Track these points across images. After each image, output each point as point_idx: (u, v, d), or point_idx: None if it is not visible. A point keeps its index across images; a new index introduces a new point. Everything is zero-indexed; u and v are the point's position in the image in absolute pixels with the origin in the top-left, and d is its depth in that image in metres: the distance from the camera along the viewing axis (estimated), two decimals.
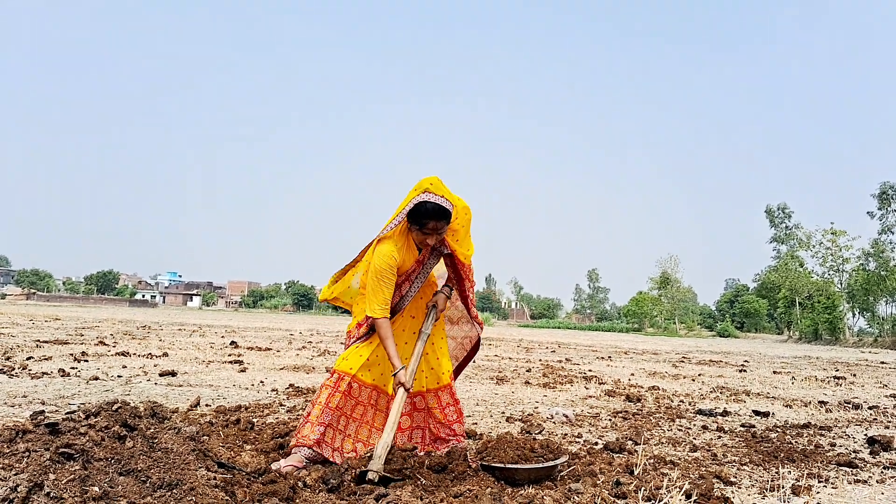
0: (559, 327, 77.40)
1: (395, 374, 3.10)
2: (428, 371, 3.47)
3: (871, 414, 6.05)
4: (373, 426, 3.32)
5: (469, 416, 4.89)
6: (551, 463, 2.93)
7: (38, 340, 10.10)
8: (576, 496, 2.66)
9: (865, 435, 4.72)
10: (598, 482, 2.88)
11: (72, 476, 1.99)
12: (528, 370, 9.34)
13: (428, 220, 3.14)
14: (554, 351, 15.91)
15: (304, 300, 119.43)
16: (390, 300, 3.29)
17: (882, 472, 3.49)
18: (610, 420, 5.04)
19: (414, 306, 3.52)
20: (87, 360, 7.39)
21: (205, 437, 3.16)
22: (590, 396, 6.47)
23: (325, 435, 3.13)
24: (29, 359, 7.17)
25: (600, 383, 7.79)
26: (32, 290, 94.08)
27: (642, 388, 7.52)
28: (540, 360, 11.73)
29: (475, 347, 3.98)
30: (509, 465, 2.87)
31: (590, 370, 9.91)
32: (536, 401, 5.98)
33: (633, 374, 9.54)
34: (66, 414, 3.92)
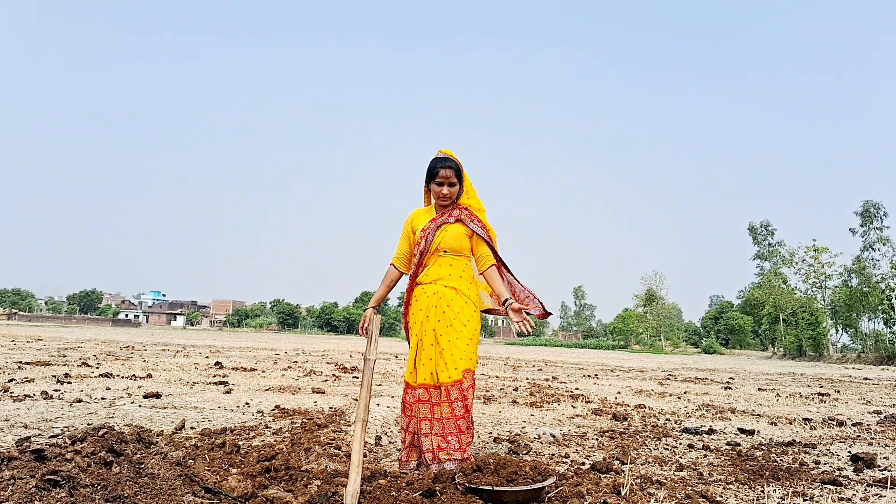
0: (546, 345, 77.43)
1: (364, 309, 3.57)
2: (441, 365, 3.48)
3: (854, 431, 6.10)
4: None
5: None
6: (539, 485, 2.93)
7: (20, 362, 9.97)
8: None
9: (849, 452, 4.76)
10: (585, 503, 2.89)
11: (58, 503, 1.97)
12: (516, 389, 9.34)
13: (436, 169, 3.59)
14: (541, 369, 15.92)
15: (289, 319, 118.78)
16: (405, 254, 3.78)
17: (865, 490, 3.53)
18: (597, 439, 5.05)
19: (429, 270, 3.67)
20: (70, 382, 7.31)
21: (191, 462, 3.13)
22: (577, 415, 6.48)
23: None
24: (11, 381, 7.08)
25: (587, 402, 7.80)
26: (14, 310, 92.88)
27: (629, 406, 7.54)
28: (527, 379, 11.73)
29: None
30: (497, 488, 2.87)
31: (577, 388, 9.92)
32: (524, 420, 5.99)
33: (619, 393, 9.56)
34: (49, 437, 3.88)
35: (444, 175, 3.57)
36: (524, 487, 2.90)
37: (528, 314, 3.47)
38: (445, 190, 3.59)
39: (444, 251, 3.64)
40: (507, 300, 3.47)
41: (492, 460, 3.09)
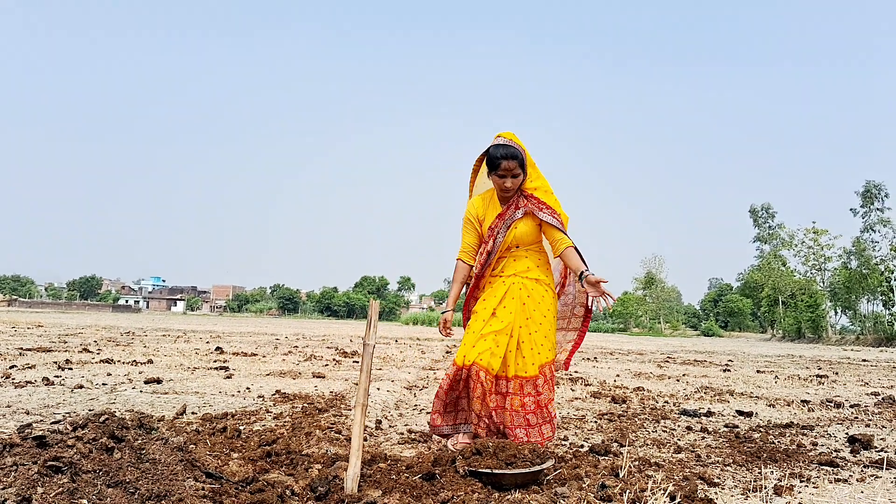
0: None
1: (443, 312, 3.49)
2: (520, 358, 3.46)
3: (852, 412, 6.13)
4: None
5: None
6: (538, 467, 2.96)
7: (21, 348, 10.00)
8: (562, 500, 2.69)
9: (847, 434, 4.79)
10: (583, 485, 2.91)
11: (60, 489, 1.99)
12: None
13: (498, 160, 3.36)
14: None
15: (289, 304, 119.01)
16: (472, 246, 3.65)
17: (862, 471, 3.55)
18: (595, 422, 5.08)
19: (503, 266, 3.58)
20: (71, 368, 7.34)
21: (192, 447, 3.15)
22: (576, 398, 6.51)
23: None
24: (12, 367, 7.11)
25: (586, 385, 7.84)
26: (14, 297, 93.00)
27: (627, 389, 7.58)
28: None
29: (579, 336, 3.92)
30: (496, 471, 2.90)
31: (576, 371, 9.97)
32: None
33: (618, 375, 9.61)
34: (51, 424, 3.90)
35: (506, 167, 3.35)
36: (523, 470, 2.92)
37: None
38: (509, 183, 3.39)
39: (517, 246, 3.53)
40: (583, 273, 3.30)
41: (491, 443, 3.11)
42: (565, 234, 3.46)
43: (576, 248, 3.49)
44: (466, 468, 2.97)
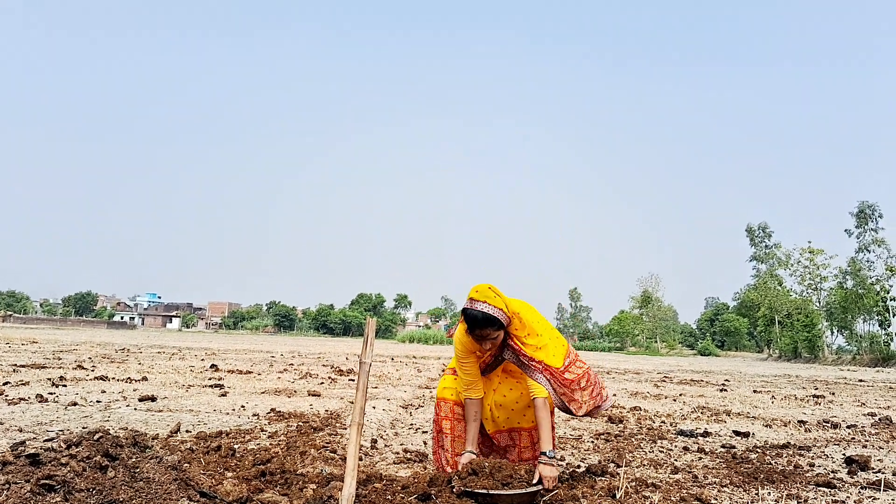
0: None
1: (461, 455, 3.38)
2: (510, 412, 3.51)
3: (849, 433, 6.12)
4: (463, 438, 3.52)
5: None
6: (534, 488, 2.94)
7: (15, 365, 9.94)
8: None
9: (844, 455, 4.78)
10: None
11: None
12: None
13: (473, 327, 3.19)
14: None
15: (285, 321, 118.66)
16: (473, 380, 3.47)
17: (859, 493, 3.54)
18: (592, 442, 5.06)
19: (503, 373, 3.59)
20: (65, 385, 7.30)
21: (186, 466, 3.13)
22: (572, 418, 6.48)
23: (438, 457, 3.57)
24: (5, 384, 7.06)
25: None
26: (9, 313, 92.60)
27: (624, 408, 7.56)
28: None
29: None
30: (492, 491, 2.88)
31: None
32: None
33: (615, 395, 9.58)
34: (44, 441, 3.87)
35: (482, 334, 3.21)
36: (519, 491, 2.90)
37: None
38: (487, 345, 3.26)
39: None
40: (543, 453, 3.19)
41: (487, 464, 3.09)
42: (539, 384, 3.30)
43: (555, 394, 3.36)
44: (462, 488, 2.95)
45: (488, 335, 3.20)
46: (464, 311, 3.24)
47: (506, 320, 3.19)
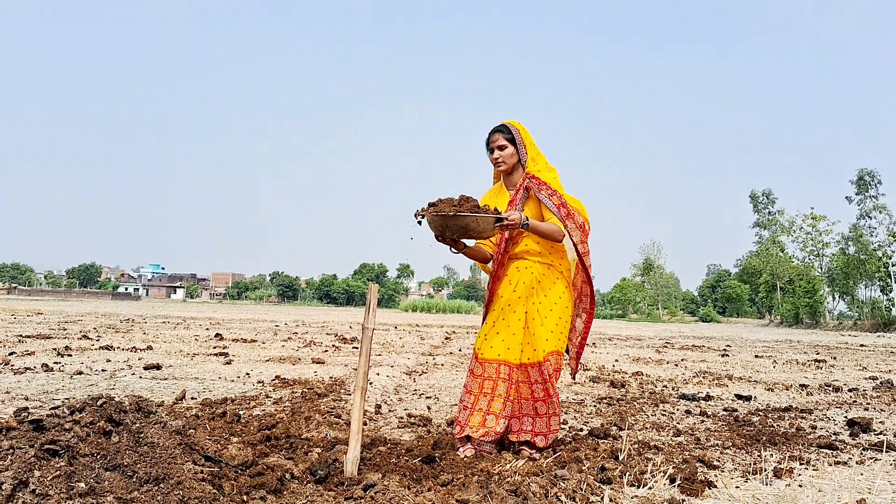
0: None
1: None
2: (524, 345, 3.37)
3: (850, 396, 6.14)
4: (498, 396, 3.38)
5: (455, 404, 4.90)
6: (498, 215, 2.97)
7: (21, 335, 10.00)
8: (561, 482, 2.68)
9: (845, 417, 4.80)
10: (583, 468, 2.91)
11: (57, 472, 1.98)
12: None
13: (488, 136, 3.49)
14: None
15: (288, 291, 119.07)
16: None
17: (861, 454, 3.56)
18: (594, 406, 5.08)
19: (519, 249, 3.49)
20: (70, 355, 7.34)
21: (191, 431, 3.14)
22: (575, 383, 6.51)
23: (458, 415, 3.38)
24: (11, 354, 7.11)
25: (585, 370, 7.84)
26: (13, 285, 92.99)
27: (626, 373, 7.59)
28: None
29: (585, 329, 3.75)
30: (460, 213, 2.91)
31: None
32: None
33: (616, 361, 9.62)
34: (50, 409, 3.89)
35: (492, 139, 3.47)
36: (485, 214, 2.95)
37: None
38: (495, 154, 3.46)
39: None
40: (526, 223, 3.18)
41: (454, 198, 3.06)
42: (559, 219, 3.32)
43: (583, 259, 3.48)
44: (432, 213, 2.96)
45: (497, 140, 3.45)
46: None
47: (518, 138, 3.45)
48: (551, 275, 3.44)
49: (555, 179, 3.47)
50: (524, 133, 3.49)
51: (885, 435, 4.10)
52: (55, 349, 7.85)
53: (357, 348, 10.00)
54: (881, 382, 7.23)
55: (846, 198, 49.38)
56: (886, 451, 3.60)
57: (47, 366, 6.11)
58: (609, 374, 7.36)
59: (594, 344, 13.97)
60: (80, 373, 5.83)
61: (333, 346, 10.47)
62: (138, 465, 2.18)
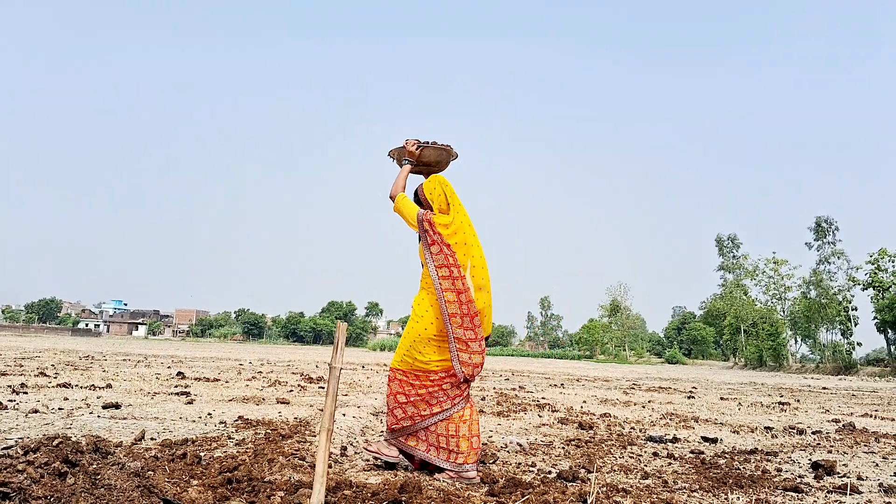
0: (513, 355, 77.71)
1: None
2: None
3: (814, 439, 6.21)
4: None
5: None
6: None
7: None
8: None
9: (810, 460, 4.84)
10: None
11: None
12: (483, 398, 9.33)
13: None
14: (508, 378, 15.94)
15: (254, 329, 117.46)
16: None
17: (826, 496, 3.58)
18: (563, 448, 5.05)
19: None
20: (26, 392, 7.10)
21: (150, 473, 3.05)
22: (543, 424, 6.48)
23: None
24: None
25: (553, 411, 7.82)
26: None
27: (594, 415, 7.58)
28: (494, 388, 11.73)
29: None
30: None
31: (543, 398, 9.95)
32: (490, 429, 5.97)
33: (585, 402, 9.61)
34: (2, 450, 3.75)
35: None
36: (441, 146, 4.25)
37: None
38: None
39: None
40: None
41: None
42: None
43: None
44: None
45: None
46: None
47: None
48: (419, 295, 4.06)
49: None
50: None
51: (848, 478, 4.14)
52: (10, 386, 7.59)
53: (323, 388, 9.85)
54: (844, 425, 7.32)
55: (806, 244, 50.69)
56: (850, 494, 3.63)
57: (1, 403, 5.90)
58: (577, 416, 7.34)
59: (562, 385, 13.96)
60: (36, 411, 5.64)
61: (299, 385, 10.30)
62: None
